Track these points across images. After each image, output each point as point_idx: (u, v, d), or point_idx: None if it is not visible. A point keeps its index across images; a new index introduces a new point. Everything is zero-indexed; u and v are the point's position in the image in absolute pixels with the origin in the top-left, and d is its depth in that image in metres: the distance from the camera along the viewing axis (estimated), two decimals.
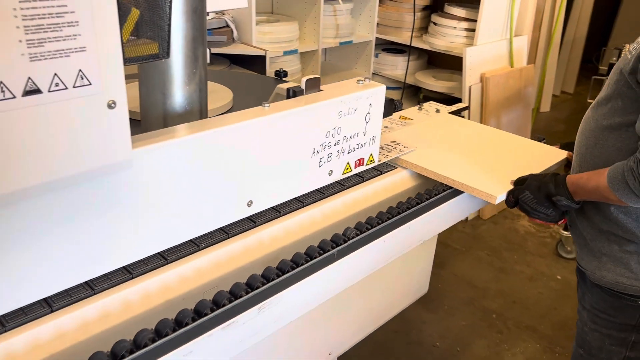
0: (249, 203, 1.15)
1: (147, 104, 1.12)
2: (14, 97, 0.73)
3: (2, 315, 0.87)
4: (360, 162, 1.38)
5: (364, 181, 1.39)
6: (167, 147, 0.97)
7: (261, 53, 2.93)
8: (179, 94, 1.13)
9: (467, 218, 3.44)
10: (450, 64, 3.78)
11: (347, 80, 1.32)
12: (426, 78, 3.69)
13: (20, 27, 0.71)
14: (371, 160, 1.41)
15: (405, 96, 3.78)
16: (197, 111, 1.18)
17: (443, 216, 1.39)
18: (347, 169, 1.34)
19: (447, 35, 3.46)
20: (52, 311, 0.90)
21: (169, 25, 0.87)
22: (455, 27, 3.43)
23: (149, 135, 0.98)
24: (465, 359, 2.35)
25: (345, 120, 1.27)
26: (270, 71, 2.86)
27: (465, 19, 3.39)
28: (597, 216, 1.28)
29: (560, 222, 1.37)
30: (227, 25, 2.98)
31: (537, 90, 4.78)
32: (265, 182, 1.16)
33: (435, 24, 3.53)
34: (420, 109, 1.89)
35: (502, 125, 3.44)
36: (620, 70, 1.18)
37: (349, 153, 1.33)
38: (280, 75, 2.20)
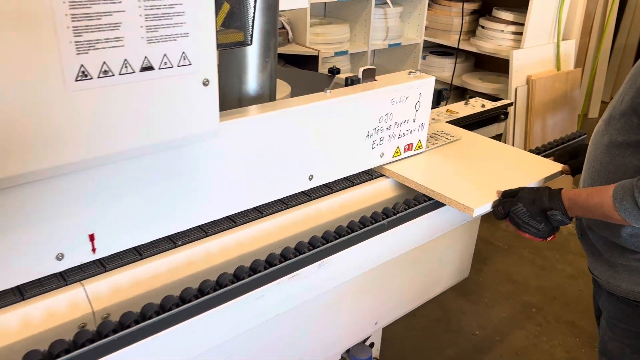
0: (310, 177, 1.31)
1: (225, 88, 1.29)
2: (134, 72, 0.90)
3: (104, 258, 1.04)
4: (409, 147, 1.51)
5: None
6: (246, 122, 1.14)
7: (314, 53, 3.10)
8: (253, 80, 1.30)
9: None
10: (497, 66, 3.86)
11: (400, 72, 1.46)
12: (473, 80, 3.78)
13: (142, 16, 0.88)
14: (419, 146, 1.54)
15: (451, 98, 3.88)
16: (267, 96, 1.35)
17: None
18: (397, 152, 1.48)
19: (495, 38, 3.54)
20: (142, 258, 1.07)
21: (253, 18, 1.04)
22: (502, 31, 3.51)
23: (231, 112, 1.15)
24: (503, 347, 2.43)
25: (397, 107, 1.41)
26: (322, 70, 3.03)
27: (513, 23, 3.47)
28: (607, 230, 1.24)
29: (549, 239, 1.31)
30: (283, 27, 3.16)
31: (584, 95, 4.78)
32: (325, 159, 1.32)
33: (483, 27, 3.62)
34: (466, 103, 2.01)
35: (547, 128, 3.49)
36: (638, 87, 1.14)
37: (399, 138, 1.47)
38: (334, 72, 2.35)
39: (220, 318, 1.02)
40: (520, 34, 3.35)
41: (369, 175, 1.45)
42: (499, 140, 3.46)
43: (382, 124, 1.39)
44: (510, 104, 2.06)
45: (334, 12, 3.63)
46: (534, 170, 1.53)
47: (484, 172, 1.50)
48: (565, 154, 1.59)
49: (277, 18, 1.26)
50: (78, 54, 0.83)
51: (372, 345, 1.72)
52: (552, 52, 3.52)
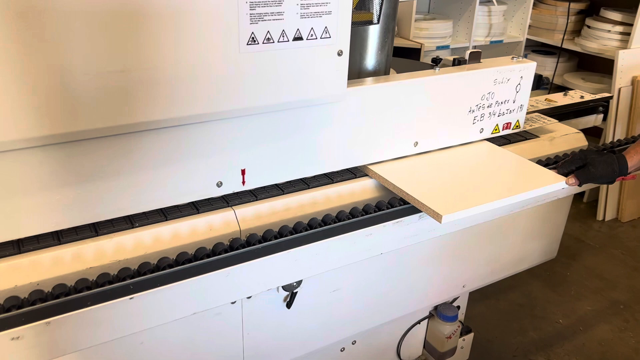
0: (415, 144, 1.50)
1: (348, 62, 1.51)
2: (288, 40, 1.15)
3: (228, 195, 1.29)
4: (507, 125, 1.66)
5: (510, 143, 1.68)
6: (367, 90, 1.35)
7: (417, 46, 3.27)
8: (372, 58, 1.51)
9: (604, 218, 3.48)
10: (601, 67, 3.82)
11: (503, 57, 1.62)
12: (575, 79, 3.77)
13: None
14: (517, 126, 1.68)
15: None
16: (383, 73, 1.56)
17: None
18: (496, 129, 1.63)
19: (600, 38, 3.52)
20: (283, 193, 1.32)
21: (381, 2, 1.25)
22: (609, 31, 3.48)
23: (354, 81, 1.37)
24: (587, 337, 2.48)
25: (499, 88, 1.56)
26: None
27: (621, 23, 3.44)
28: None
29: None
30: None
31: None
32: (429, 129, 1.50)
33: (589, 27, 3.60)
34: (565, 94, 2.10)
35: None
36: None
37: (498, 116, 1.62)
38: (436, 62, 2.51)
39: (340, 245, 1.24)
40: (628, 34, 3.32)
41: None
42: (596, 135, 3.46)
43: (484, 101, 1.56)
44: (610, 97, 2.13)
45: (438, 8, 3.77)
46: (529, 182, 1.42)
47: (474, 181, 1.43)
48: (568, 164, 1.50)
49: (397, 3, 1.47)
50: (251, 23, 1.08)
51: (458, 307, 1.88)
52: None
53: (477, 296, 2.57)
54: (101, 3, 0.91)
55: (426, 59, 3.28)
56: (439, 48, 3.48)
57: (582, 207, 3.63)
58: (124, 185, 1.11)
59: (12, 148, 0.94)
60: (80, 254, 1.08)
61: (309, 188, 1.36)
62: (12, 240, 1.06)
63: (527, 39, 3.84)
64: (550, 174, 1.48)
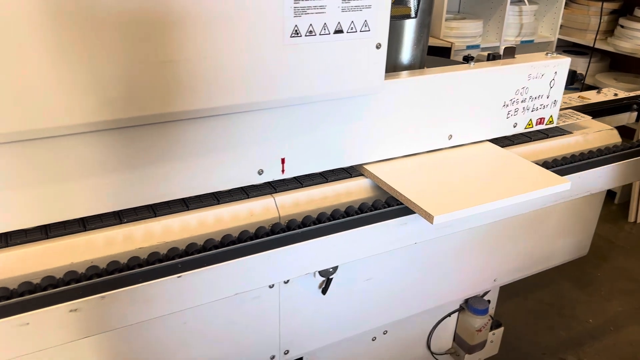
0: (450, 137, 1.53)
1: None
2: (329, 33, 1.19)
3: (272, 181, 1.34)
4: (540, 120, 1.67)
5: (531, 141, 1.69)
6: (404, 83, 1.39)
7: (447, 45, 3.28)
8: (407, 52, 1.55)
9: (635, 220, 3.44)
10: (634, 68, 3.77)
11: (538, 53, 1.63)
12: (607, 79, 3.73)
13: None
14: (550, 121, 1.70)
15: None
16: (418, 67, 1.59)
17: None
18: (529, 124, 1.65)
19: (634, 38, 3.49)
20: (327, 181, 1.36)
21: None
22: None
23: (390, 74, 1.40)
24: (617, 337, 2.47)
25: (533, 83, 1.58)
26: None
27: None
28: None
29: None
30: None
31: None
32: (463, 122, 1.53)
33: (622, 26, 3.57)
34: (598, 92, 2.10)
35: None
36: None
37: (532, 111, 1.64)
38: (468, 60, 2.53)
39: (375, 233, 1.28)
40: None
41: (510, 140, 1.65)
42: (629, 134, 3.41)
43: (518, 96, 1.57)
44: None
45: (468, 7, 3.78)
46: (528, 184, 1.38)
47: (472, 182, 1.39)
48: None
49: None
50: (294, 16, 1.13)
51: (488, 302, 1.90)
52: None
53: (506, 294, 2.57)
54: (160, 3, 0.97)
55: (456, 57, 3.29)
56: (469, 47, 3.48)
57: (613, 208, 3.59)
58: (175, 170, 1.16)
59: (78, 131, 1.01)
60: (131, 235, 1.14)
61: (351, 177, 1.40)
62: (64, 222, 1.13)
63: (559, 39, 3.82)
64: (551, 175, 1.43)
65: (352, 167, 1.44)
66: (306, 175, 1.38)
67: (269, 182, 1.33)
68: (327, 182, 1.37)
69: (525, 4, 3.59)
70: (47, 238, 1.09)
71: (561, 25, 3.79)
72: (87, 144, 1.05)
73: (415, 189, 1.32)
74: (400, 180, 1.36)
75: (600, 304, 2.69)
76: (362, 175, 1.42)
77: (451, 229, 1.42)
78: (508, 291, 2.46)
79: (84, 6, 0.92)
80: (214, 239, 1.15)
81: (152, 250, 1.11)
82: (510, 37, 3.66)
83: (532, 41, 3.73)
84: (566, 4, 3.75)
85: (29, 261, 1.05)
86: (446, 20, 3.40)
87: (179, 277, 1.07)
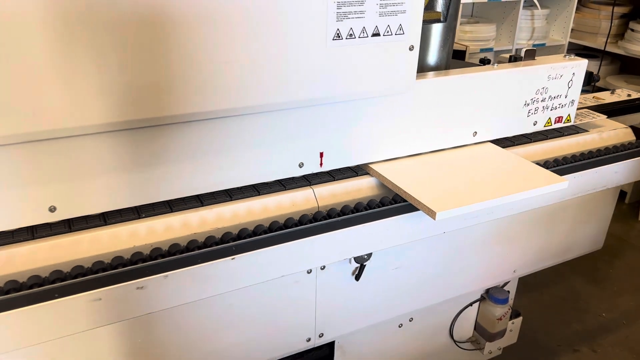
0: (474, 133, 1.62)
1: None
2: (367, 36, 1.29)
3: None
4: (559, 119, 1.77)
5: (547, 139, 1.79)
6: (433, 82, 1.48)
7: (462, 48, 3.37)
8: (434, 54, 1.65)
9: None
10: None
11: (556, 55, 1.73)
12: (618, 82, 3.82)
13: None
14: (568, 120, 1.79)
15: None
16: (444, 69, 1.68)
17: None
18: (548, 122, 1.74)
19: None
20: (356, 175, 1.46)
21: (449, 2, 1.38)
22: None
23: (421, 74, 1.50)
24: (630, 330, 2.54)
25: (552, 83, 1.67)
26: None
27: None
28: None
29: None
30: None
31: None
32: (487, 119, 1.62)
33: (632, 30, 3.65)
34: (612, 93, 2.19)
35: None
36: None
37: (551, 110, 1.73)
38: (484, 62, 2.63)
39: (408, 222, 1.37)
40: None
41: (528, 138, 1.74)
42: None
43: (538, 95, 1.67)
44: None
45: (481, 12, 3.87)
46: (527, 182, 1.44)
47: (472, 180, 1.45)
48: None
49: (459, 4, 1.60)
50: (337, 21, 1.23)
51: (508, 292, 1.98)
52: None
53: (522, 289, 2.65)
54: (219, 5, 1.07)
55: (471, 60, 3.38)
56: (482, 50, 3.58)
57: (624, 207, 3.67)
58: (224, 162, 1.26)
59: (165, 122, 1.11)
60: (187, 221, 1.24)
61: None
62: (130, 208, 1.23)
63: (570, 42, 3.91)
64: (549, 174, 1.48)
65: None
66: (337, 170, 1.47)
67: (303, 176, 1.43)
68: (356, 175, 1.46)
69: (538, 8, 3.68)
70: (109, 224, 1.19)
71: (572, 29, 3.88)
72: (176, 132, 1.15)
73: (420, 187, 1.38)
74: (405, 179, 1.42)
75: (612, 299, 2.77)
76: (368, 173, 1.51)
77: (477, 219, 1.51)
78: (524, 286, 2.55)
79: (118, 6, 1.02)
80: (263, 225, 1.25)
81: (207, 236, 1.21)
82: (522, 41, 3.75)
83: (543, 44, 3.82)
84: (577, 8, 3.84)
85: (96, 244, 1.16)
86: (460, 24, 3.50)
87: (232, 259, 1.17)
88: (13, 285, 1.02)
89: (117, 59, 1.02)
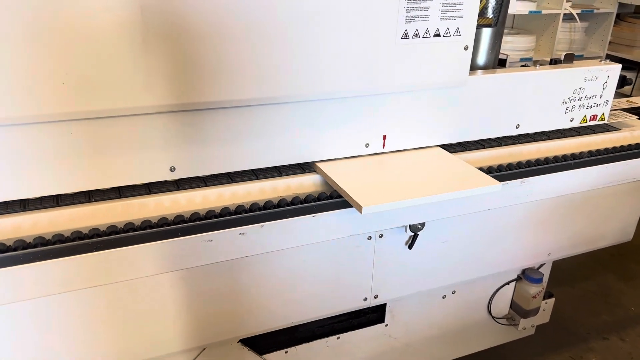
0: (517, 126, 1.84)
1: None
2: (429, 37, 1.53)
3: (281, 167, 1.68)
4: (594, 117, 1.97)
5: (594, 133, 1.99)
6: (485, 79, 1.71)
7: (503, 57, 3.58)
8: (483, 56, 1.87)
9: None
10: None
11: (592, 59, 1.93)
12: None
13: (441, 3, 1.50)
14: (602, 118, 1.99)
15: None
16: (491, 69, 1.91)
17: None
18: (584, 120, 1.95)
19: None
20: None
21: (501, 7, 1.62)
22: None
23: (473, 72, 1.73)
24: None
25: (588, 84, 1.88)
26: None
27: None
28: None
29: None
30: None
31: None
32: (529, 114, 1.84)
33: None
34: None
35: None
36: None
37: (587, 109, 1.93)
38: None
39: (456, 198, 1.60)
40: None
41: (561, 133, 1.95)
42: None
43: (575, 95, 1.88)
44: None
45: (522, 23, 4.07)
46: (461, 183, 1.52)
47: (411, 180, 1.54)
48: None
49: (507, 13, 1.82)
50: (405, 22, 1.48)
51: (542, 273, 2.18)
52: None
53: (553, 282, 2.83)
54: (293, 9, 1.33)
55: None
56: (522, 60, 3.78)
57: None
58: (309, 138, 1.52)
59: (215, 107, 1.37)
60: (262, 188, 1.49)
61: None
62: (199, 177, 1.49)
63: (607, 55, 4.07)
64: (485, 177, 1.56)
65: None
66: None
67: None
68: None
69: (577, 21, 3.86)
70: (206, 186, 1.45)
71: (610, 42, 4.04)
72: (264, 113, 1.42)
73: (354, 183, 1.48)
74: (344, 176, 1.51)
75: None
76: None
77: (517, 199, 1.73)
78: (557, 281, 2.72)
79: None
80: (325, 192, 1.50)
81: (293, 197, 1.47)
82: (560, 52, 3.93)
83: (581, 56, 3.99)
84: (615, 21, 4.01)
85: (198, 199, 1.42)
86: None
87: (313, 216, 1.42)
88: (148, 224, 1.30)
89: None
